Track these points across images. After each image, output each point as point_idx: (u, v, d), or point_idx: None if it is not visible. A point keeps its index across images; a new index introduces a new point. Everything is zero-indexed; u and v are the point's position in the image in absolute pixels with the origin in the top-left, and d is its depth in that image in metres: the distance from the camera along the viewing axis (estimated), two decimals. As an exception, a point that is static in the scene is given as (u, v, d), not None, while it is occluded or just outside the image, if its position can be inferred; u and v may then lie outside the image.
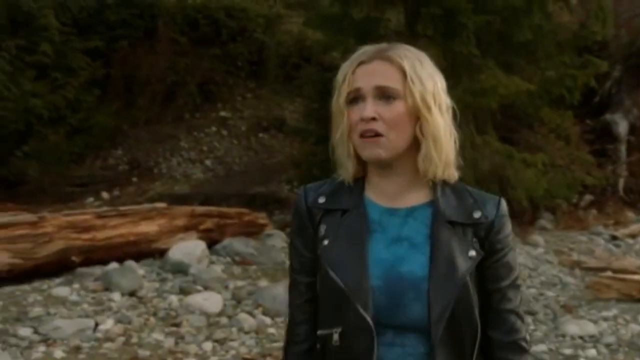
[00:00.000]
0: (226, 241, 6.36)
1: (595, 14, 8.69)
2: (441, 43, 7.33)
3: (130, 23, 10.68)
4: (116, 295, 5.05)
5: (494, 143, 7.80)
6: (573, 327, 5.08)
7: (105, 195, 9.13)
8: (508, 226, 1.51)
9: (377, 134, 1.44)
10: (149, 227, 6.03)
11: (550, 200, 8.46)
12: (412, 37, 7.74)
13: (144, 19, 10.85)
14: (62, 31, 9.52)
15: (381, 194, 1.51)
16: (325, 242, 1.49)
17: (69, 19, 9.82)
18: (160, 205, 6.47)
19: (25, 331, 4.41)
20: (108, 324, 4.61)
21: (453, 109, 1.51)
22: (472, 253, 1.45)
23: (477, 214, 1.48)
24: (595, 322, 5.24)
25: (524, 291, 5.88)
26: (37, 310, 4.71)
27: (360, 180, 1.53)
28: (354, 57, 1.51)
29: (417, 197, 1.50)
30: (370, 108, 1.44)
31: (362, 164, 1.51)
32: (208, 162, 10.13)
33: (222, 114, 11.06)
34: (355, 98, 1.47)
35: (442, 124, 1.46)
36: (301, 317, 1.56)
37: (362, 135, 1.45)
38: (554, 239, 7.84)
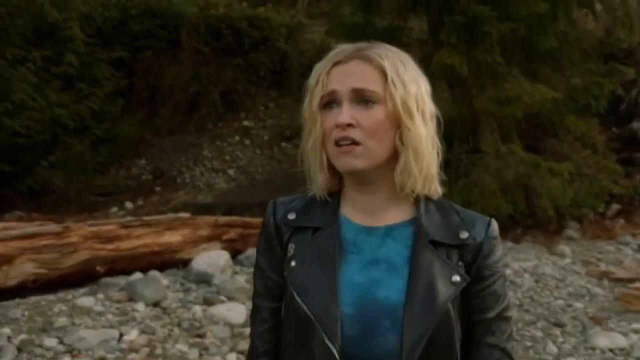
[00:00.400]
0: (249, 251, 6.34)
1: (621, 21, 8.59)
2: (465, 51, 7.28)
3: (153, 33, 10.79)
4: (140, 306, 5.05)
5: (519, 152, 7.72)
6: (603, 339, 4.99)
7: (129, 204, 9.18)
8: (498, 250, 1.35)
9: (354, 142, 1.28)
10: (172, 237, 6.04)
11: (576, 210, 8.35)
12: (435, 45, 7.71)
13: (167, 29, 10.94)
14: (87, 42, 9.64)
15: (358, 211, 1.36)
16: (293, 263, 1.33)
17: (93, 30, 9.94)
18: (184, 215, 6.47)
19: (50, 342, 4.42)
20: (132, 334, 4.60)
21: (437, 119, 1.37)
22: (456, 278, 1.29)
23: (463, 235, 1.32)
24: (625, 334, 5.14)
25: (552, 302, 5.79)
26: (62, 321, 4.72)
27: (335, 195, 1.39)
28: (329, 57, 1.35)
29: (398, 214, 1.35)
30: (346, 113, 1.29)
31: (337, 176, 1.37)
32: (231, 172, 10.15)
33: (245, 123, 11.09)
34: (330, 102, 1.32)
35: (424, 133, 1.31)
36: (263, 347, 1.40)
37: (337, 144, 1.30)
38: (580, 249, 7.72)
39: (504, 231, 7.87)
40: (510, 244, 7.56)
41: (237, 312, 5.03)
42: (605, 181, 8.68)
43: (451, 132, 7.71)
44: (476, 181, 7.42)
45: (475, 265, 1.32)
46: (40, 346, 4.37)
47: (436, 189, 1.35)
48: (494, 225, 1.37)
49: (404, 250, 1.31)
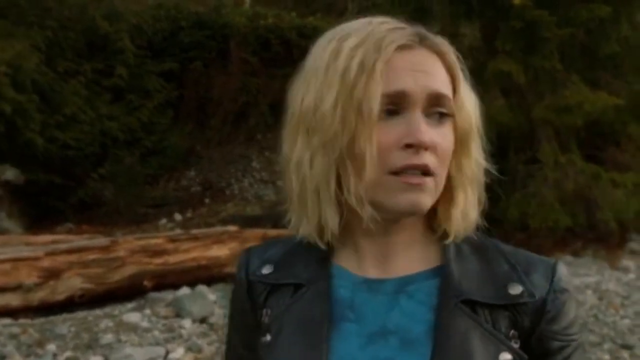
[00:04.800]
0: (298, 265, 6.20)
1: (686, 24, 8.21)
2: (521, 58, 7.03)
3: (203, 44, 10.78)
4: (187, 322, 4.95)
5: (579, 162, 7.41)
6: (676, 364, 4.66)
7: (178, 216, 9.15)
8: (571, 309, 0.93)
9: (426, 173, 0.88)
10: (220, 251, 5.94)
11: (640, 222, 7.97)
12: (489, 52, 7.47)
13: (217, 40, 10.93)
14: (137, 54, 9.68)
15: (360, 258, 0.95)
16: (267, 337, 0.95)
17: (144, 42, 9.98)
18: (232, 228, 6.38)
19: (95, 359, 4.34)
20: (178, 352, 4.49)
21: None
22: (507, 357, 0.88)
23: (515, 289, 0.90)
24: (699, 358, 4.80)
25: (618, 322, 5.47)
26: (108, 337, 4.64)
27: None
28: (376, 31, 0.93)
29: (417, 261, 0.94)
30: (427, 129, 0.87)
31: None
32: (280, 183, 10.01)
33: (294, 134, 10.99)
34: (393, 108, 0.88)
35: (481, 161, 0.95)
36: None
37: (400, 172, 0.87)
38: (646, 264, 7.34)
39: (563, 245, 7.54)
40: (569, 258, 7.26)
41: (286, 330, 4.88)
42: (671, 192, 8.28)
43: (507, 142, 7.44)
44: (534, 193, 7.14)
45: (538, 333, 0.91)
46: (86, 364, 4.30)
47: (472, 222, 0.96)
48: (561, 271, 0.93)
49: (424, 313, 0.90)
